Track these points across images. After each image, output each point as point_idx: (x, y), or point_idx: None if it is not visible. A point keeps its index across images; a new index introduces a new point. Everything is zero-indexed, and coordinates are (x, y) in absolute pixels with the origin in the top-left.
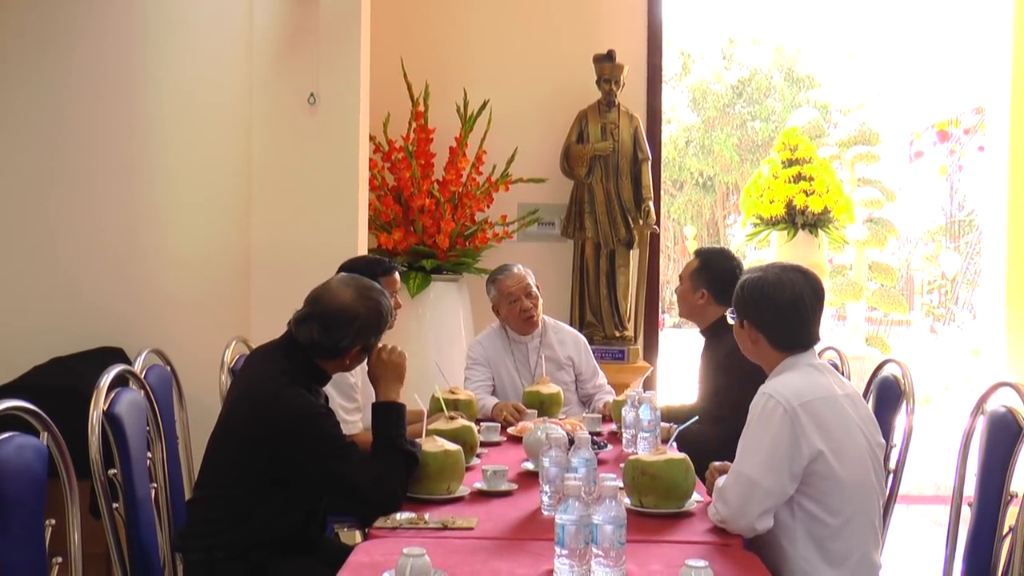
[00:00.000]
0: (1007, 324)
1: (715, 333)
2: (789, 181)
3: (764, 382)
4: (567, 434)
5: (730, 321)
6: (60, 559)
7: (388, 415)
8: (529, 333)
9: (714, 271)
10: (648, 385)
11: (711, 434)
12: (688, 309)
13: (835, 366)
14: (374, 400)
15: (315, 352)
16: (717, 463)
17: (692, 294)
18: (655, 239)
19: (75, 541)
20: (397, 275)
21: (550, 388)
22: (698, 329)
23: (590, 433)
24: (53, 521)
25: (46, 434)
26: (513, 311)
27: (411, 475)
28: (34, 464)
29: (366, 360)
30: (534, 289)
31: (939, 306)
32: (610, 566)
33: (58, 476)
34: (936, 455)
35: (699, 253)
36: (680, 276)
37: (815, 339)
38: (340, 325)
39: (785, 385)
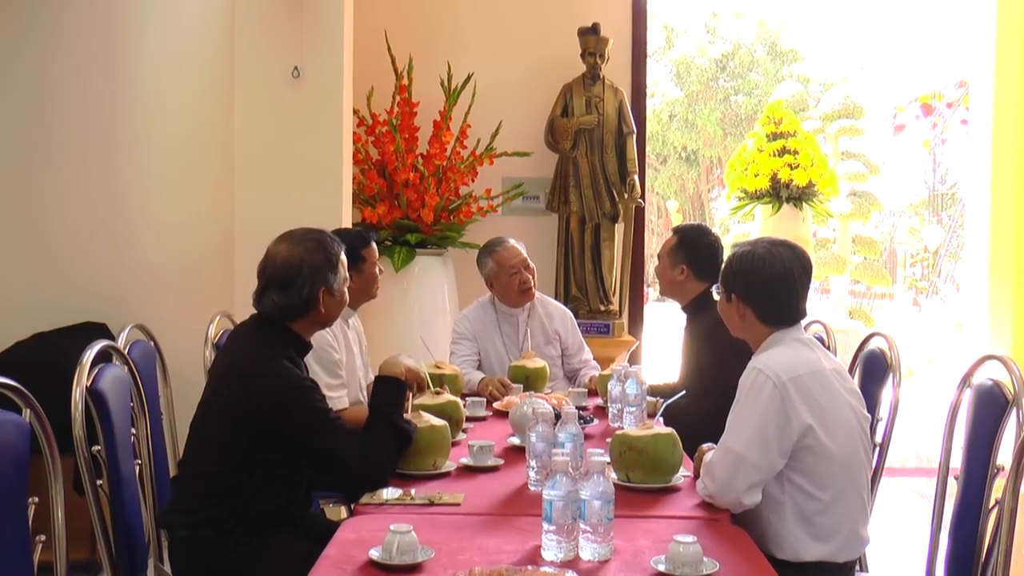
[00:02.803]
0: (990, 297)
1: (697, 309)
2: (774, 155)
3: (748, 356)
4: (553, 409)
5: (715, 296)
6: (44, 536)
7: (389, 389)
8: (522, 305)
9: (692, 247)
10: (633, 359)
11: (697, 409)
12: (668, 286)
13: (821, 340)
14: (357, 377)
15: (287, 316)
16: (706, 445)
17: (671, 270)
18: (640, 213)
19: (59, 518)
20: (374, 244)
21: (536, 362)
22: (679, 306)
23: (576, 408)
24: (36, 499)
25: (28, 410)
26: (512, 283)
27: (401, 454)
28: (16, 441)
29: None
30: (530, 262)
31: (922, 279)
32: (598, 541)
33: (41, 453)
34: (919, 427)
35: (676, 230)
36: (658, 255)
37: (802, 314)
38: (292, 278)
39: (775, 360)
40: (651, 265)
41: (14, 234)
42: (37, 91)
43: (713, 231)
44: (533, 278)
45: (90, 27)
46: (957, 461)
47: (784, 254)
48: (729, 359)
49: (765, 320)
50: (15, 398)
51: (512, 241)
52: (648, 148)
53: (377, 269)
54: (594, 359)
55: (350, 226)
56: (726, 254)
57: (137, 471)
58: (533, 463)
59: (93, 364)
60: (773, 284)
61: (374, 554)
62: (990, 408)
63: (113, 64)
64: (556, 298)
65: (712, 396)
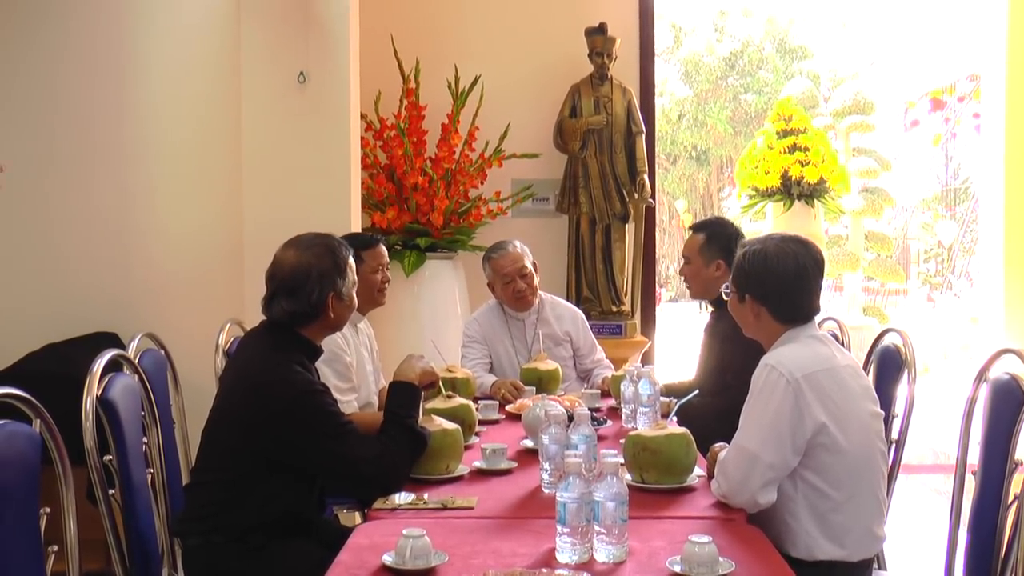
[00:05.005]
0: (1005, 291)
1: (725, 303)
2: (784, 152)
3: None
4: (566, 411)
5: (725, 297)
6: (56, 547)
7: (403, 394)
8: (523, 311)
9: (723, 239)
10: (646, 359)
11: (712, 408)
12: (702, 285)
13: (835, 336)
14: (368, 381)
15: (296, 322)
16: (718, 444)
17: (707, 268)
18: (650, 213)
19: (71, 529)
20: (383, 247)
21: (548, 365)
22: (706, 302)
23: (589, 409)
24: (48, 509)
25: (39, 421)
26: (507, 292)
27: (416, 458)
28: (27, 452)
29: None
30: (529, 268)
31: (936, 275)
32: (613, 543)
33: (52, 464)
34: (936, 424)
35: (699, 227)
36: (685, 256)
37: (816, 310)
38: (300, 284)
39: (788, 357)
40: (662, 265)
41: (22, 245)
42: (43, 100)
43: (731, 220)
44: (531, 285)
45: (95, 34)
46: (975, 457)
47: (796, 250)
48: (754, 355)
49: (780, 318)
50: (26, 409)
51: (514, 245)
52: (658, 148)
53: (379, 276)
54: (607, 359)
55: (359, 231)
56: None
57: (149, 480)
58: (546, 465)
59: (103, 374)
60: (787, 282)
61: (387, 559)
62: (1007, 403)
63: (118, 71)
64: (568, 300)
65: (731, 392)
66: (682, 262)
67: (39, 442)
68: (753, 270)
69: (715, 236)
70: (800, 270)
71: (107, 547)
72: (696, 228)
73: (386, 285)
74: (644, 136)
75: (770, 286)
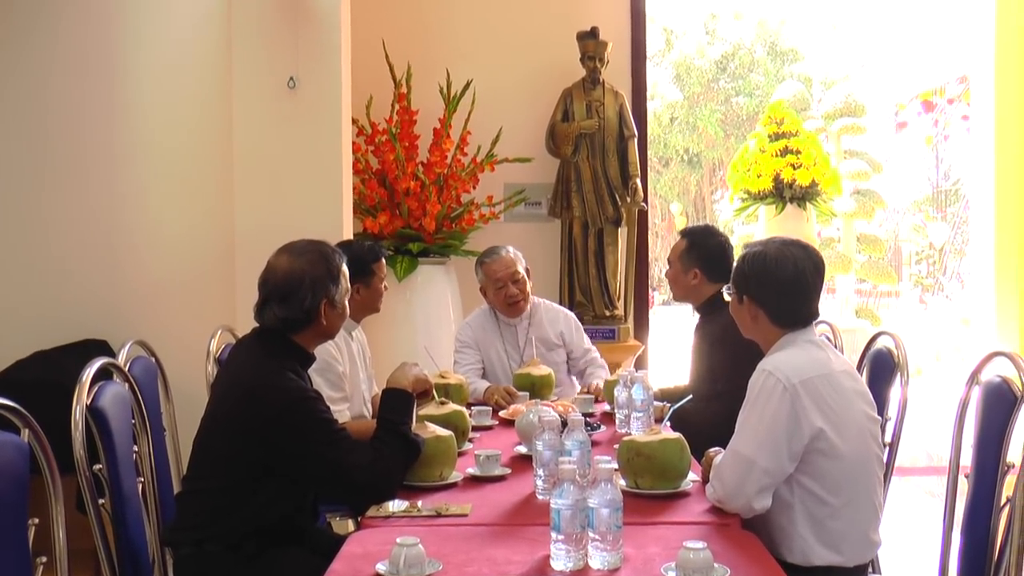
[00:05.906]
0: (996, 293)
1: (710, 309)
2: (776, 155)
3: (761, 357)
4: (560, 416)
5: (727, 297)
6: (45, 558)
7: (397, 400)
8: (514, 317)
9: (703, 249)
10: (640, 364)
11: (706, 413)
12: (682, 291)
13: (828, 340)
14: (360, 390)
15: (289, 328)
16: (713, 449)
17: (684, 275)
18: (643, 216)
19: (60, 539)
20: (384, 260)
21: (541, 370)
22: (692, 306)
23: (583, 414)
24: (36, 520)
25: (27, 431)
26: (499, 296)
27: (409, 465)
28: (15, 462)
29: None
30: (522, 274)
31: (928, 276)
32: (607, 550)
33: (41, 473)
34: (929, 426)
35: (685, 233)
36: (668, 260)
37: (815, 315)
38: (293, 290)
39: (785, 362)
40: (655, 269)
41: (11, 250)
42: (33, 106)
43: (722, 231)
44: (523, 291)
45: (85, 38)
46: (967, 459)
47: (796, 254)
48: (742, 360)
49: (778, 322)
50: (14, 419)
51: (507, 251)
52: (650, 151)
53: (383, 285)
54: (600, 357)
55: (351, 237)
56: (736, 253)
57: (140, 489)
58: (540, 472)
59: (93, 382)
60: (786, 285)
61: (381, 568)
62: (999, 405)
63: (109, 76)
64: (561, 304)
65: (723, 399)
66: (667, 265)
67: (28, 452)
68: (752, 272)
69: (696, 245)
70: (798, 274)
71: (97, 557)
72: (683, 233)
73: (384, 292)
74: (636, 140)
75: (768, 289)
